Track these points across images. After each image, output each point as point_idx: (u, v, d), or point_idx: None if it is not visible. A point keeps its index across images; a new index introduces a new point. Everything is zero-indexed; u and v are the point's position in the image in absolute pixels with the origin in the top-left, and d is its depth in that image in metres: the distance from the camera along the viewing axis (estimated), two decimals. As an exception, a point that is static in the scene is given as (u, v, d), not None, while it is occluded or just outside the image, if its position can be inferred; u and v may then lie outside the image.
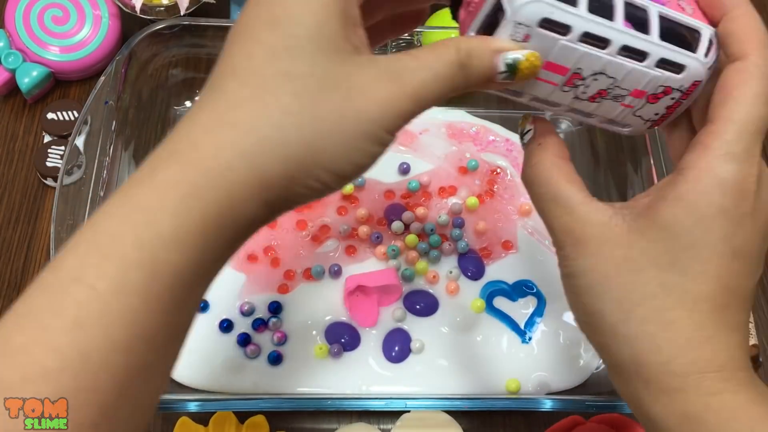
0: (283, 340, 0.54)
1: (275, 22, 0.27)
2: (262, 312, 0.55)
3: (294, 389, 0.53)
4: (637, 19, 0.30)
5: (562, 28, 0.29)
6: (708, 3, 0.31)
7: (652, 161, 0.55)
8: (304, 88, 0.27)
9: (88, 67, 0.64)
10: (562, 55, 0.30)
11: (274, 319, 0.54)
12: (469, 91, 0.30)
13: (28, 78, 0.61)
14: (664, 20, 0.30)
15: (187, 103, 0.63)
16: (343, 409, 0.52)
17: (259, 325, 0.54)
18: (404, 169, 0.60)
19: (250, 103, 0.27)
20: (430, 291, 0.56)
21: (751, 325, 0.54)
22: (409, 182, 0.59)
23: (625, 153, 0.59)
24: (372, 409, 0.53)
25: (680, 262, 0.29)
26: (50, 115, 0.62)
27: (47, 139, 0.62)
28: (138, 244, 0.25)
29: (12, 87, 0.63)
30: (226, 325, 0.54)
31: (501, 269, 0.57)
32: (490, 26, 0.30)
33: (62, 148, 0.60)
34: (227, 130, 0.26)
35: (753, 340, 0.54)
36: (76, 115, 0.62)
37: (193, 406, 0.48)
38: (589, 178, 0.60)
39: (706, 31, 0.31)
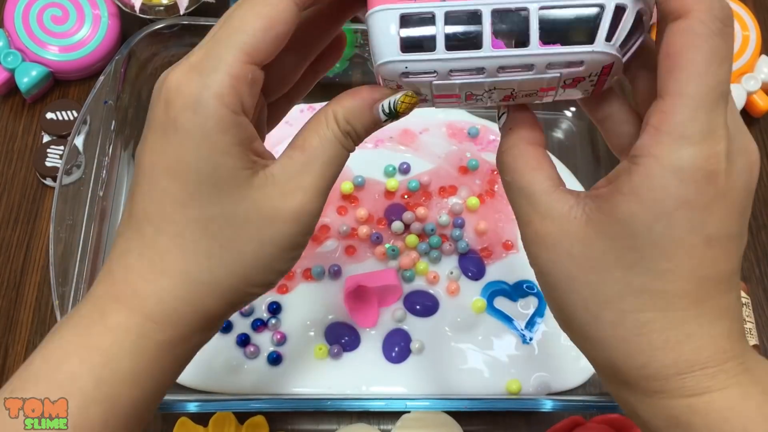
0: (282, 341, 0.54)
1: (174, 173, 0.28)
2: (261, 312, 0.55)
3: (294, 390, 0.53)
4: (514, 30, 0.27)
5: (428, 73, 0.28)
6: None
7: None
8: (218, 229, 0.29)
9: (88, 67, 0.63)
10: (444, 88, 0.29)
11: (273, 320, 0.54)
12: None
13: (28, 78, 0.61)
14: (546, 19, 0.27)
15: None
16: (343, 409, 0.52)
17: (259, 325, 0.54)
18: (404, 169, 0.60)
19: (174, 251, 0.29)
20: (431, 291, 0.56)
21: (752, 325, 0.54)
22: (410, 182, 0.59)
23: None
24: (372, 410, 0.53)
25: (645, 261, 0.26)
26: (49, 115, 0.62)
27: (46, 138, 0.62)
28: (97, 383, 0.28)
29: (11, 87, 0.63)
30: (225, 326, 0.54)
31: (501, 269, 0.57)
32: None
33: (61, 147, 0.60)
34: (164, 279, 0.29)
35: (753, 341, 0.54)
36: (76, 114, 0.62)
37: (192, 407, 0.48)
38: (589, 178, 0.60)
39: (610, 4, 0.27)
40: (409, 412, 0.52)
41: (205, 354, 0.53)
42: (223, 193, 0.28)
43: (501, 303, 0.56)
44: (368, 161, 0.60)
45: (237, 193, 0.28)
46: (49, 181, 0.60)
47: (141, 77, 0.59)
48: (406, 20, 0.28)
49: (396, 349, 0.54)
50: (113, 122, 0.55)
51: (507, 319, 0.55)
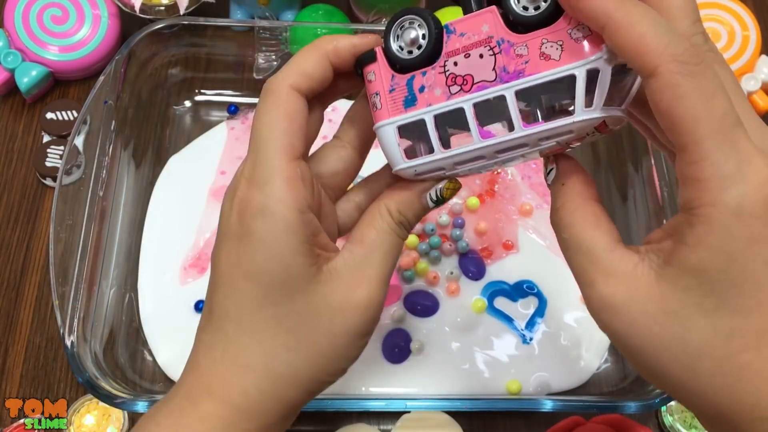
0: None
1: (250, 275, 0.31)
2: (261, 312, 0.55)
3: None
4: (498, 118, 0.29)
5: (436, 170, 0.32)
6: (585, 19, 0.27)
7: (652, 161, 0.55)
8: (294, 324, 0.31)
9: (88, 67, 0.63)
10: (455, 173, 0.32)
11: (273, 320, 0.54)
12: None
13: (28, 78, 0.61)
14: (525, 103, 0.29)
15: (187, 103, 0.63)
16: (343, 409, 0.52)
17: (259, 325, 0.54)
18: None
19: (255, 346, 0.31)
20: (431, 291, 0.56)
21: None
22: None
23: (625, 153, 0.59)
24: (372, 410, 0.53)
25: (727, 303, 0.26)
26: (49, 115, 0.62)
27: (46, 138, 0.62)
28: None
29: (11, 87, 0.63)
30: (225, 326, 0.54)
31: (502, 269, 0.57)
32: None
33: (61, 147, 0.60)
34: (248, 372, 0.31)
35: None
36: (76, 114, 0.62)
37: (192, 407, 0.48)
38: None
39: (580, 71, 0.27)
40: (409, 412, 0.52)
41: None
42: (294, 290, 0.31)
43: (501, 303, 0.56)
44: (369, 161, 0.59)
45: (306, 289, 0.31)
46: (49, 181, 0.60)
47: (141, 77, 0.59)
48: (403, 130, 0.31)
49: (396, 349, 0.54)
50: (113, 122, 0.55)
51: (507, 319, 0.55)
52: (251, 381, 0.32)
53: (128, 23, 0.65)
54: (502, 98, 0.29)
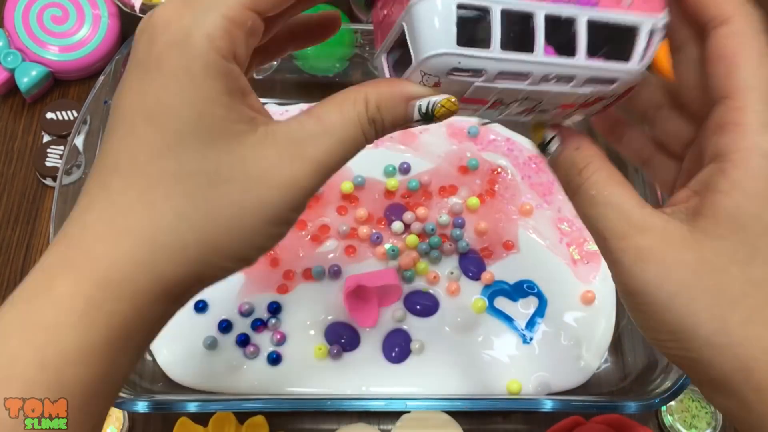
0: (282, 341, 0.54)
1: (152, 117, 0.25)
2: (261, 312, 0.55)
3: (294, 390, 0.52)
4: (563, 38, 0.27)
5: (475, 72, 0.27)
6: None
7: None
8: (195, 186, 0.25)
9: (88, 67, 0.63)
10: (479, 93, 0.28)
11: (273, 320, 0.54)
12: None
13: (27, 77, 0.61)
14: (594, 28, 0.27)
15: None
16: (343, 409, 0.52)
17: (259, 325, 0.54)
18: (404, 169, 0.60)
19: (140, 207, 0.25)
20: (431, 291, 0.56)
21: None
22: (410, 182, 0.59)
23: (625, 153, 0.59)
24: (372, 410, 0.53)
25: (761, 252, 0.26)
26: (49, 115, 0.62)
27: (46, 138, 0.62)
28: (41, 365, 0.25)
29: (11, 87, 0.63)
30: (225, 326, 0.54)
31: (502, 269, 0.57)
32: (401, 45, 0.27)
33: (61, 147, 0.60)
34: (121, 238, 0.25)
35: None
36: (76, 114, 0.62)
37: (192, 407, 0.48)
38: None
39: (645, 26, 0.28)
40: (409, 412, 0.52)
41: (205, 354, 0.53)
42: (208, 146, 0.25)
43: (501, 303, 0.56)
44: (368, 161, 0.60)
45: (224, 148, 0.25)
46: (49, 181, 0.60)
47: (141, 77, 0.59)
48: (462, 11, 0.26)
49: (396, 349, 0.54)
50: (113, 122, 0.55)
51: (507, 319, 0.55)
52: (125, 249, 0.25)
53: (128, 23, 0.65)
54: (572, 21, 0.27)
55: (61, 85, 0.64)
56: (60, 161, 0.59)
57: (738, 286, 0.26)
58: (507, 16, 0.26)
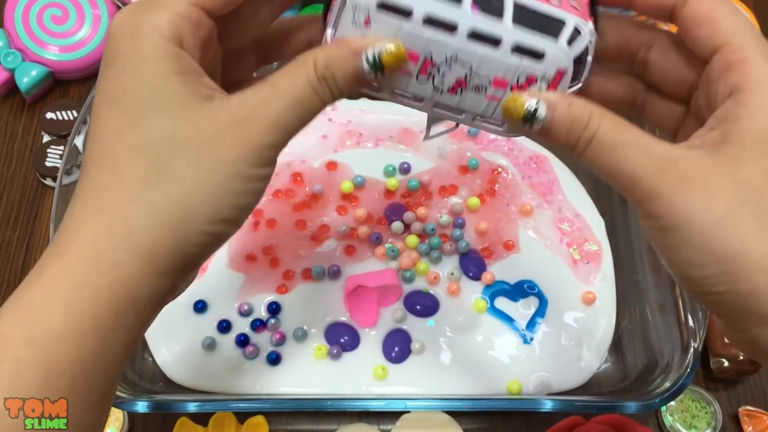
0: (281, 341, 0.54)
1: (113, 100, 0.27)
2: (260, 312, 0.55)
3: (293, 390, 0.52)
4: (490, 7, 0.28)
5: (404, 12, 0.28)
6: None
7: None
8: (156, 154, 0.27)
9: (88, 67, 0.63)
10: (409, 41, 0.29)
11: (272, 320, 0.54)
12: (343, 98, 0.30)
13: (27, 78, 0.61)
14: (519, 8, 0.29)
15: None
16: (342, 409, 0.52)
17: (258, 325, 0.54)
18: (405, 169, 0.60)
19: (112, 184, 0.27)
20: (431, 292, 0.56)
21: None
22: (410, 181, 0.59)
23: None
24: (372, 410, 0.53)
25: None
26: (49, 115, 0.62)
27: (46, 138, 0.62)
28: (29, 341, 0.25)
29: (11, 87, 0.63)
30: (224, 326, 0.54)
31: (502, 270, 0.57)
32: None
33: (61, 147, 0.60)
34: (99, 215, 0.27)
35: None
36: (76, 114, 0.62)
37: (192, 407, 0.48)
38: (589, 177, 0.60)
39: (571, 21, 0.29)
40: (409, 412, 0.52)
41: (204, 354, 0.53)
42: (164, 115, 0.27)
43: (502, 303, 0.56)
44: (368, 161, 0.60)
45: (180, 116, 0.27)
46: (49, 181, 0.60)
47: (141, 77, 0.59)
48: None
49: (396, 349, 0.54)
50: (113, 122, 0.55)
51: (508, 320, 0.55)
52: (103, 224, 0.27)
53: (128, 23, 0.65)
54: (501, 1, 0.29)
55: (61, 85, 0.64)
56: (60, 161, 0.59)
57: None
58: None
